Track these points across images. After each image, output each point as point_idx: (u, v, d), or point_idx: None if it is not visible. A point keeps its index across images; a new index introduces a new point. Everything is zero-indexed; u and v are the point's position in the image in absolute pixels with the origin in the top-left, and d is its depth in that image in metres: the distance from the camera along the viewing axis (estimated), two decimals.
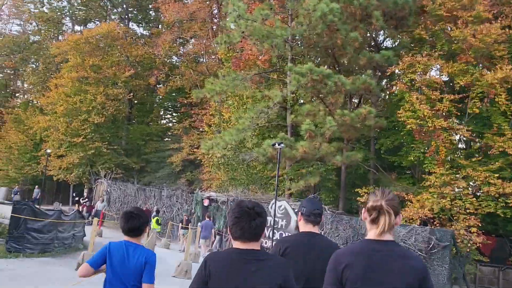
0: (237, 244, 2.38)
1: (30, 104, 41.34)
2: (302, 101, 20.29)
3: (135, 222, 3.40)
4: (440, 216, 15.06)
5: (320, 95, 16.68)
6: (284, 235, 16.25)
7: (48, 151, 31.47)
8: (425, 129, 15.23)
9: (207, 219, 16.63)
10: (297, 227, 3.80)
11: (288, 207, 16.37)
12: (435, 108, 15.26)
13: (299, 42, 18.76)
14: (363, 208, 2.33)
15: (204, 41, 29.84)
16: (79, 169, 31.75)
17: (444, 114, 15.32)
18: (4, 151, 36.87)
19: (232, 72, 20.16)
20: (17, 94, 45.31)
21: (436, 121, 14.95)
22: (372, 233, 2.23)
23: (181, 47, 33.48)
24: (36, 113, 36.74)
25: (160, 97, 38.00)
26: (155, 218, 16.93)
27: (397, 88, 15.98)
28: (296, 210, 17.60)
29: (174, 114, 40.81)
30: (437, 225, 14.99)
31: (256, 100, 19.99)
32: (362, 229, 14.75)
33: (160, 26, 38.09)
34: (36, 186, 29.08)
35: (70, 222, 10.19)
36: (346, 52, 16.76)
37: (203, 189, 24.36)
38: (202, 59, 33.93)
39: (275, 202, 14.33)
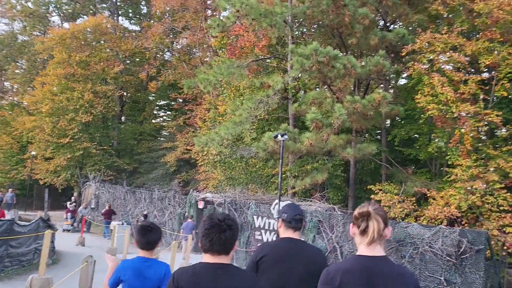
0: (206, 257, 2.37)
1: (16, 105, 39.39)
2: (305, 90, 18.29)
3: (152, 236, 3.49)
4: (467, 214, 13.12)
5: (327, 80, 14.74)
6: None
7: (33, 153, 29.58)
8: (449, 115, 13.27)
9: (189, 220, 15.34)
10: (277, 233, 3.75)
11: None
12: (459, 91, 13.30)
13: (301, 20, 16.74)
14: (350, 224, 2.31)
15: (197, 32, 27.83)
16: (67, 171, 29.79)
17: (469, 98, 13.36)
18: None
19: (227, 60, 18.19)
20: (3, 96, 43.36)
21: (461, 106, 13.00)
22: (363, 248, 2.20)
23: (173, 39, 31.40)
24: (23, 114, 34.83)
25: (153, 94, 36.09)
26: None
27: (414, 70, 13.99)
28: (276, 216, 15.66)
29: (168, 112, 38.85)
30: (465, 225, 13.05)
31: (254, 90, 18.02)
32: None
33: (151, 21, 36.16)
34: (10, 190, 26.93)
35: (26, 235, 8.24)
36: (355, 31, 14.80)
37: (199, 190, 22.41)
38: (195, 52, 31.94)
39: (279, 203, 12.38)
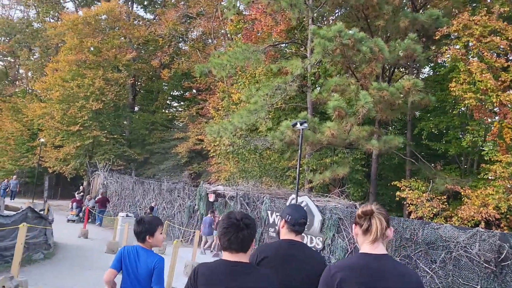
0: (225, 255, 2.42)
1: (28, 92, 38.83)
2: (325, 78, 16.98)
3: (139, 228, 3.64)
4: (507, 216, 11.79)
5: (351, 66, 13.48)
6: (306, 239, 13.19)
7: (42, 140, 28.86)
8: (487, 106, 11.92)
9: (209, 215, 14.87)
10: (277, 233, 3.22)
11: (311, 203, 13.25)
12: (500, 79, 11.94)
13: (322, 1, 15.41)
14: (353, 224, 2.31)
15: (212, 19, 26.66)
16: (76, 160, 28.98)
17: (511, 86, 11.99)
18: (0, 141, 34.43)
19: (242, 45, 17.00)
20: (17, 83, 42.88)
21: (502, 95, 11.65)
22: (366, 246, 2.22)
23: (188, 26, 30.27)
24: (34, 101, 34.18)
25: (166, 84, 35.10)
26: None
27: (449, 55, 12.64)
28: (278, 214, 14.46)
29: (181, 102, 37.84)
30: (504, 228, 11.73)
31: (271, 76, 16.81)
32: (406, 232, 11.58)
33: (166, 8, 35.07)
34: (14, 177, 26.22)
35: (10, 227, 7.27)
36: (383, 12, 13.50)
37: (211, 182, 21.35)
38: (209, 41, 30.79)
39: (296, 198, 11.22)
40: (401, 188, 13.69)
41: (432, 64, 17.81)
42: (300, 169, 14.90)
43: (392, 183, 15.14)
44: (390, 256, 2.22)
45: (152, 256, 3.68)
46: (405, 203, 14.90)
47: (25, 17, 40.75)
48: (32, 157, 32.31)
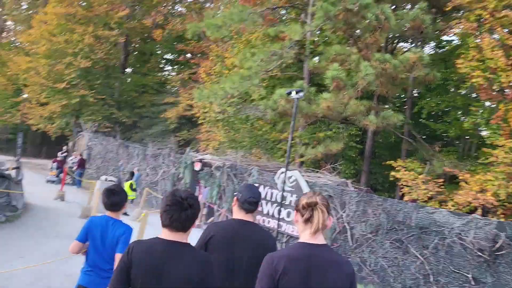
0: (164, 233, 2.35)
1: (14, 44, 37.25)
2: (324, 48, 15.99)
3: (116, 198, 3.69)
4: (505, 204, 11.20)
5: (353, 34, 12.55)
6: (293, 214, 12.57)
7: (25, 95, 27.75)
8: (496, 86, 11.14)
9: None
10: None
11: (300, 179, 12.56)
12: (511, 58, 11.11)
13: None
14: (294, 211, 2.35)
15: None
16: (62, 119, 27.97)
17: None
18: None
19: (239, 6, 15.91)
20: (3, 34, 41.14)
21: None
22: (306, 235, 2.24)
23: None
24: (20, 54, 32.75)
25: (159, 46, 33.73)
26: (129, 182, 13.21)
27: (459, 29, 11.75)
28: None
29: (174, 66, 36.60)
30: (501, 216, 11.15)
31: (268, 42, 15.82)
32: (399, 215, 10.96)
33: None
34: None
35: None
36: None
37: (199, 150, 20.58)
38: (207, 4, 29.41)
39: (286, 171, 10.51)
40: (396, 168, 13.02)
41: (437, 41, 16.85)
42: (292, 142, 14.17)
43: (386, 162, 14.47)
44: (328, 245, 2.27)
45: (121, 225, 3.64)
46: (399, 184, 14.28)
47: None
48: (16, 113, 31.21)
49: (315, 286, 2.12)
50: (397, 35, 15.63)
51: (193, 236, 2.44)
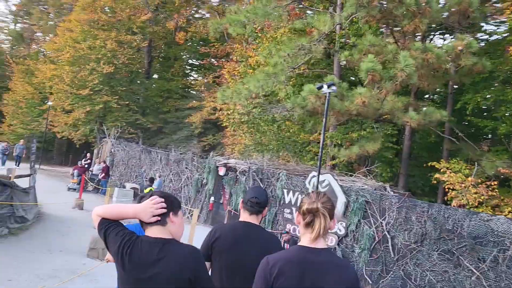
0: (147, 231, 2.17)
1: (42, 53, 37.50)
2: (357, 38, 14.79)
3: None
4: None
5: (389, 21, 11.35)
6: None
7: (50, 103, 27.59)
8: None
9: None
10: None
11: (334, 183, 11.41)
12: None
13: None
14: (296, 212, 2.27)
15: None
16: (86, 126, 27.62)
17: None
18: (11, 104, 33.36)
19: (263, 0, 14.93)
20: (31, 45, 41.60)
21: None
22: (306, 239, 2.17)
23: None
24: (47, 63, 32.82)
25: (183, 50, 33.16)
26: (148, 189, 12.35)
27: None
28: (308, 192, 12.78)
29: (198, 70, 35.98)
30: None
31: (294, 37, 14.75)
32: (448, 223, 9.67)
33: None
34: (21, 141, 24.98)
35: None
36: None
37: (225, 155, 19.65)
38: (230, 3, 28.59)
39: (318, 175, 9.40)
40: (441, 170, 11.68)
41: (483, 28, 15.39)
42: (324, 142, 13.02)
43: (428, 164, 13.13)
44: (329, 249, 2.20)
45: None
46: (443, 187, 12.93)
47: None
48: (43, 121, 31.14)
49: None
50: (437, 25, 14.27)
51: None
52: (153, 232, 2.15)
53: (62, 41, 28.40)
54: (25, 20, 40.41)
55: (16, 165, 22.82)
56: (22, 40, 41.67)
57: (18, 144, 24.59)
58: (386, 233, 10.72)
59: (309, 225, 2.13)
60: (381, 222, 10.83)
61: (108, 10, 28.76)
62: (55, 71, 28.21)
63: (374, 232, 10.90)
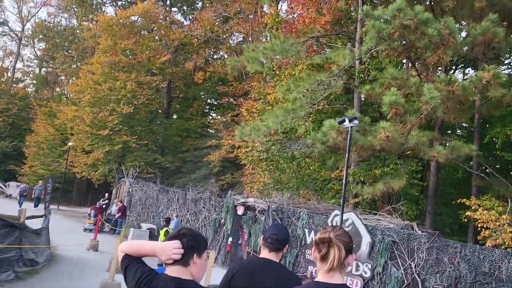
0: (168, 270, 2.16)
1: (65, 96, 38.40)
2: (375, 76, 14.54)
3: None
4: None
5: (411, 54, 11.08)
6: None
7: (70, 143, 27.85)
8: None
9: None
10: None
11: (358, 222, 10.84)
12: None
13: None
14: (312, 247, 2.22)
15: (251, 18, 24.85)
16: (105, 166, 27.65)
17: None
18: (33, 145, 33.89)
19: (280, 38, 14.91)
20: (55, 88, 42.78)
21: None
22: (321, 273, 2.10)
23: (224, 26, 28.56)
24: (69, 105, 33.52)
25: (202, 90, 33.53)
26: (164, 229, 11.96)
27: None
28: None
29: (216, 110, 36.21)
30: None
31: (313, 73, 14.59)
32: (484, 265, 8.96)
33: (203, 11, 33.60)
34: (40, 182, 25.02)
35: None
36: None
37: (244, 194, 19.22)
38: (247, 43, 28.98)
39: (341, 214, 8.89)
40: (472, 207, 11.02)
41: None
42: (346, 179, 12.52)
43: (457, 201, 12.47)
44: (346, 285, 2.12)
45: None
46: (474, 225, 12.20)
47: (68, 25, 40.80)
48: (63, 162, 31.42)
49: None
50: (459, 57, 13.96)
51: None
52: (173, 271, 2.14)
53: (84, 83, 29.01)
54: (49, 64, 41.79)
55: (34, 206, 22.75)
56: (46, 83, 42.96)
57: (37, 185, 24.66)
58: (416, 276, 10.01)
59: (324, 257, 2.08)
60: (410, 264, 10.15)
61: (128, 52, 29.42)
62: (76, 112, 28.69)
63: (402, 275, 10.19)
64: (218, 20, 27.90)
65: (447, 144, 11.58)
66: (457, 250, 9.45)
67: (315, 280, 2.13)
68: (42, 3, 40.96)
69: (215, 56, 32.70)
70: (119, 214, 18.23)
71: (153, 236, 15.67)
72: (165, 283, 2.09)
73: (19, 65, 43.59)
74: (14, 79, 42.77)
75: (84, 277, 8.82)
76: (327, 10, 15.77)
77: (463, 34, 12.74)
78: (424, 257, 9.99)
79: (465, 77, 15.46)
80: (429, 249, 9.93)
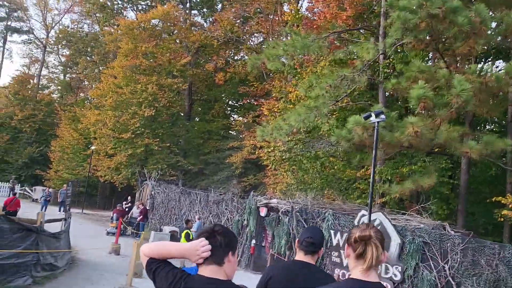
0: (201, 270, 2.04)
1: (88, 100, 38.87)
2: (401, 70, 13.97)
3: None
4: None
5: (439, 45, 10.53)
6: (380, 268, 10.27)
7: (93, 147, 28.04)
8: None
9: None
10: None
11: (386, 222, 10.35)
12: None
13: None
14: (346, 244, 2.18)
15: (271, 16, 24.53)
16: (128, 169, 27.72)
17: None
18: (58, 150, 34.35)
19: (301, 34, 14.52)
20: (79, 93, 43.38)
21: None
22: (357, 271, 2.05)
23: (244, 27, 28.34)
24: (92, 109, 33.87)
25: (223, 92, 33.39)
26: (185, 231, 11.71)
27: None
28: (347, 234, 11.62)
29: (238, 111, 36.02)
30: None
31: (335, 68, 14.15)
32: None
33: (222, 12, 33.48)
34: (65, 186, 25.17)
35: None
36: None
37: (267, 195, 18.87)
38: (267, 41, 28.66)
39: (369, 214, 8.44)
40: (509, 206, 10.39)
41: None
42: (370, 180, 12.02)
43: (491, 199, 11.83)
44: (382, 284, 2.12)
45: None
46: (510, 224, 11.54)
47: (90, 30, 41.35)
48: (87, 166, 31.70)
49: None
50: (488, 48, 13.30)
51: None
52: (207, 271, 2.01)
53: (106, 87, 29.21)
54: (73, 70, 42.43)
55: (59, 211, 22.93)
56: (70, 89, 43.61)
57: (61, 189, 24.88)
58: (450, 279, 9.47)
59: (361, 255, 2.04)
60: (443, 266, 9.61)
61: (149, 55, 29.49)
62: (98, 116, 28.89)
63: (435, 278, 9.66)
64: (238, 20, 27.65)
65: (479, 140, 10.95)
66: (495, 251, 8.87)
67: (352, 277, 2.07)
68: (66, 11, 41.73)
69: (235, 57, 32.51)
70: (141, 216, 18.14)
71: (175, 239, 15.46)
72: (203, 284, 1.98)
73: (44, 71, 44.34)
74: (39, 86, 43.58)
75: (103, 281, 8.63)
76: (348, 5, 15.31)
77: (494, 23, 12.12)
78: (458, 259, 9.43)
79: (496, 69, 14.72)
80: (464, 250, 9.37)
